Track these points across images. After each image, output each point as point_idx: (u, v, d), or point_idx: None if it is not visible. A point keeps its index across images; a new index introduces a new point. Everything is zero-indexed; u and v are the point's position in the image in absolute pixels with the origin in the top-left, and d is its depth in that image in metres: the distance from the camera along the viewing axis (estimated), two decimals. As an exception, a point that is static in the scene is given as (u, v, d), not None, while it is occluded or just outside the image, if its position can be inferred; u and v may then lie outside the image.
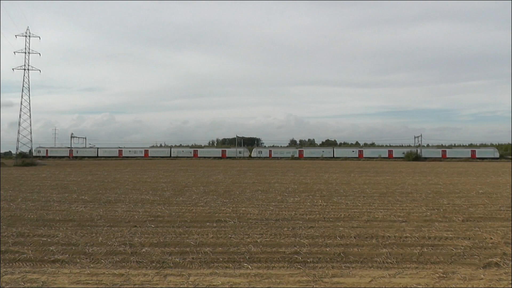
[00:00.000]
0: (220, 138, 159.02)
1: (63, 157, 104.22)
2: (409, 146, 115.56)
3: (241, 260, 9.95)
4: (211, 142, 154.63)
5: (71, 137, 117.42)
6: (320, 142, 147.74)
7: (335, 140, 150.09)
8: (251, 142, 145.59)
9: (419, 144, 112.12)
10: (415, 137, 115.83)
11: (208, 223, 14.53)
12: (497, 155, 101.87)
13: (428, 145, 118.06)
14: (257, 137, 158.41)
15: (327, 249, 10.96)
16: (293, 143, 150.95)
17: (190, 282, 8.23)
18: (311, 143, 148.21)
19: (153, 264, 9.60)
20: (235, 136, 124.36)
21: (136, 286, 8.05)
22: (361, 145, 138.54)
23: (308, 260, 9.97)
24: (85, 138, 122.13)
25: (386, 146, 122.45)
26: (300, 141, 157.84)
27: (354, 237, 12.35)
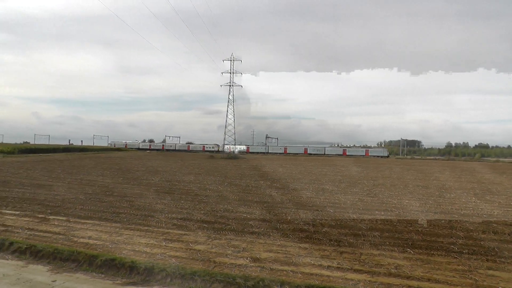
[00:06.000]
0: (387, 140, 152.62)
1: (259, 153, 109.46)
2: None
3: (405, 245, 9.44)
4: (379, 143, 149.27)
5: (266, 137, 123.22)
6: (473, 145, 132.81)
7: (487, 144, 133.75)
8: (412, 144, 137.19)
9: None
10: None
11: (377, 212, 14.07)
12: None
13: None
14: (418, 139, 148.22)
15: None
16: (448, 146, 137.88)
17: (361, 260, 8.06)
18: (465, 146, 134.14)
19: (331, 242, 9.58)
20: (400, 139, 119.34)
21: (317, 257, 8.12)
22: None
23: (464, 251, 9.02)
24: (277, 138, 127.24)
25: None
26: (455, 144, 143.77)
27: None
